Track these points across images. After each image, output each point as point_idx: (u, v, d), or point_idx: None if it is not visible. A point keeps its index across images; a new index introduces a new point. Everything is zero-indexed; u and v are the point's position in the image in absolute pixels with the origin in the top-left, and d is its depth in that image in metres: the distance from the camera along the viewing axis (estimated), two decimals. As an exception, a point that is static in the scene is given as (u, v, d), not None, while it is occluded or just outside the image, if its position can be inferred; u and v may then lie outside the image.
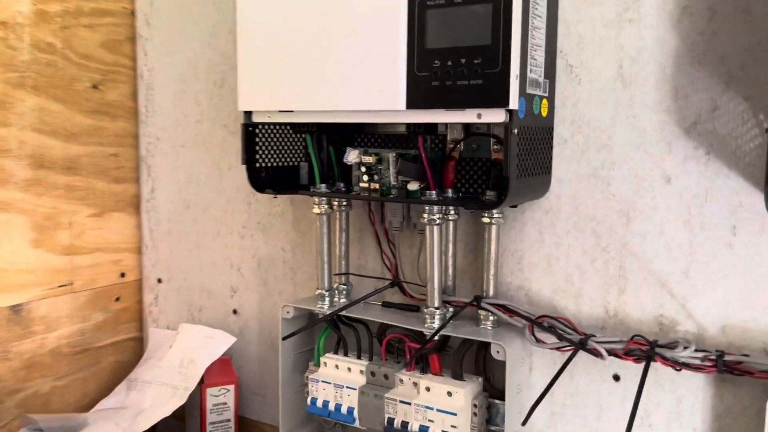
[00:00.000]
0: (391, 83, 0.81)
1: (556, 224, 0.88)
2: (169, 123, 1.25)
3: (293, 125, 0.96)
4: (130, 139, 1.28)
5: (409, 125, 0.84)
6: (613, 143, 0.83)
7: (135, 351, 1.32)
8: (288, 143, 1.03)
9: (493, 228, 0.89)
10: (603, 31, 0.83)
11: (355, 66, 0.83)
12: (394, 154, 0.91)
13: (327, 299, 1.00)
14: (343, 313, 0.97)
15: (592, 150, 0.85)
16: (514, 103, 0.74)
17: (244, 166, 1.14)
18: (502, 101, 0.74)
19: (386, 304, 1.00)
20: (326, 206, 0.99)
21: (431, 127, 0.85)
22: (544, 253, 0.90)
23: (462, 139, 0.91)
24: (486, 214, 0.88)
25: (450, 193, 0.90)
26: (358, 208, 1.04)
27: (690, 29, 0.78)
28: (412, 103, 0.80)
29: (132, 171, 1.29)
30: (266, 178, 0.99)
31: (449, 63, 0.77)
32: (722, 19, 0.76)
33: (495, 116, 0.76)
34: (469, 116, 0.78)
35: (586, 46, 0.84)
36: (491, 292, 0.90)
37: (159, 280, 1.30)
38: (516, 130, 0.76)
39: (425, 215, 0.89)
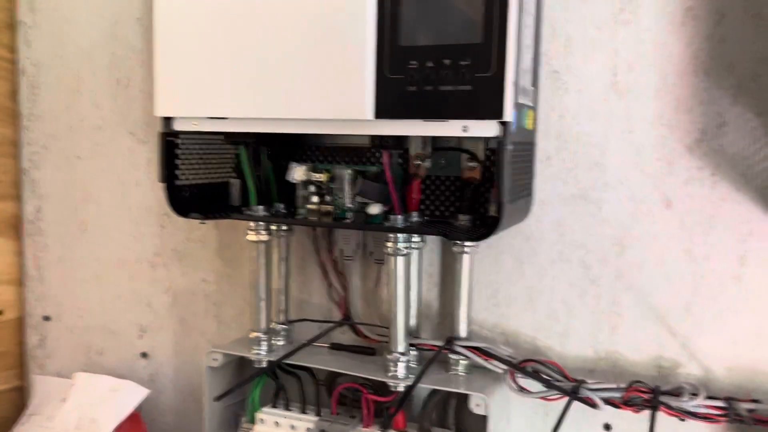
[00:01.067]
0: (355, 87, 0.66)
1: (538, 252, 0.77)
2: (60, 129, 1.03)
3: (225, 135, 0.79)
4: (8, 148, 1.06)
5: (374, 138, 0.70)
6: (606, 161, 0.73)
7: (15, 404, 1.09)
8: (215, 156, 0.86)
9: (466, 258, 0.76)
10: (595, 32, 0.73)
11: (310, 65, 0.68)
12: (351, 171, 0.77)
13: (264, 344, 0.84)
14: (286, 359, 0.82)
15: (581, 168, 0.74)
16: (509, 114, 0.62)
17: (157, 183, 0.96)
18: (495, 112, 0.62)
19: (336, 347, 0.85)
20: (264, 232, 0.82)
21: (399, 141, 0.71)
22: (524, 285, 0.78)
23: (429, 155, 0.77)
24: (457, 242, 0.76)
25: (415, 216, 0.77)
26: (300, 233, 0.89)
27: (694, 34, 0.69)
28: (382, 111, 0.66)
29: (11, 186, 1.07)
30: (189, 198, 0.81)
31: (429, 64, 0.64)
32: (731, 24, 0.68)
33: (485, 129, 0.63)
34: (452, 128, 0.65)
35: (575, 50, 0.73)
36: (463, 332, 0.77)
37: (46, 318, 1.08)
38: (511, 147, 0.64)
39: (389, 245, 0.75)
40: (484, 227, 0.73)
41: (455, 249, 0.76)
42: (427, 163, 0.78)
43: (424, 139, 0.78)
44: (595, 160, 0.74)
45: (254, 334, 0.84)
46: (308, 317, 0.89)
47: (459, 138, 0.76)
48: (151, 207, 0.98)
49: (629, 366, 0.74)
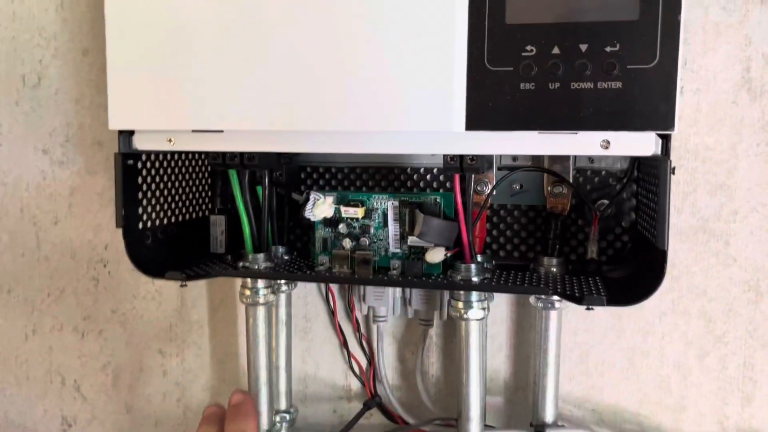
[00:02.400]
0: (438, 86, 0.45)
1: (643, 303, 0.58)
2: (-68, 146, 0.73)
3: (212, 156, 0.54)
4: None
5: (451, 158, 0.49)
6: (735, 183, 0.56)
7: None
8: (189, 185, 0.61)
9: (553, 316, 0.56)
10: (720, 15, 0.55)
11: (366, 53, 0.45)
12: (396, 203, 0.55)
13: (269, 446, 0.60)
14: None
15: (700, 192, 0.57)
16: (676, 122, 0.43)
17: (86, 219, 0.69)
18: (657, 120, 0.43)
19: (364, 439, 0.63)
20: (267, 290, 0.58)
21: (482, 161, 0.50)
22: (624, 346, 0.60)
23: (504, 178, 0.57)
24: (543, 296, 0.56)
25: (481, 260, 0.56)
26: (303, 285, 0.65)
27: None
28: (478, 120, 0.45)
29: None
30: (154, 247, 0.56)
31: (555, 51, 0.44)
32: None
33: (636, 145, 0.44)
34: (584, 144, 0.45)
35: (692, 38, 0.56)
36: (550, 414, 0.58)
37: None
38: (674, 168, 0.45)
39: (459, 305, 0.53)
40: (604, 280, 0.54)
41: (537, 304, 0.56)
42: (493, 190, 0.57)
43: (488, 156, 0.57)
44: (719, 182, 0.56)
45: (253, 435, 0.59)
46: (317, 396, 0.66)
47: (540, 157, 0.57)
48: (77, 253, 0.70)
49: (768, 446, 0.58)
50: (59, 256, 0.71)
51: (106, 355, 0.71)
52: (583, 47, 0.43)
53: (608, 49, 0.43)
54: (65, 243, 0.70)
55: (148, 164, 0.55)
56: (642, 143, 0.44)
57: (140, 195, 0.54)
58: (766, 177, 0.55)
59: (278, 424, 0.62)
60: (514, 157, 0.59)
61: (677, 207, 0.57)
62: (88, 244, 0.70)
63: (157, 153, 0.56)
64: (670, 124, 0.42)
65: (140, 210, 0.54)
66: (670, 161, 0.44)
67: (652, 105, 0.42)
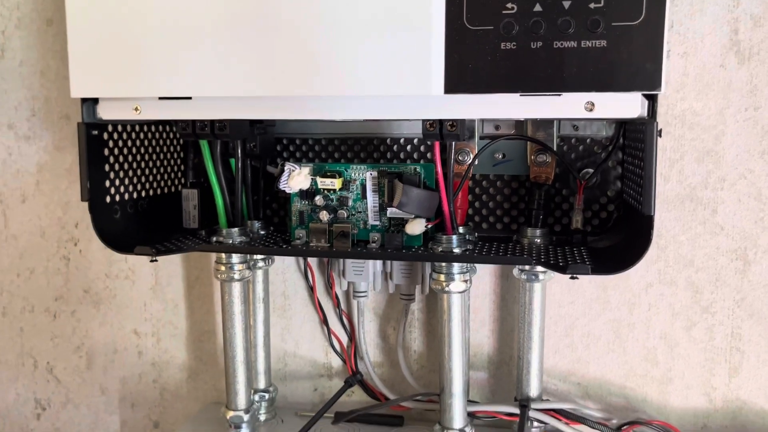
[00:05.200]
0: (414, 47, 0.43)
1: (628, 273, 0.57)
2: None
3: (181, 126, 0.52)
4: None
5: (431, 124, 0.47)
6: (723, 149, 0.55)
7: None
8: (159, 157, 0.58)
9: (537, 288, 0.55)
10: (707, -25, 0.54)
11: (335, 13, 0.43)
12: (374, 173, 0.53)
13: (247, 426, 0.58)
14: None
15: (688, 159, 0.55)
16: (663, 82, 0.41)
17: (55, 197, 0.67)
18: (644, 80, 0.41)
19: (344, 417, 0.61)
20: (242, 267, 0.56)
21: (462, 127, 0.48)
22: (610, 318, 0.58)
23: (486, 147, 0.55)
24: (527, 267, 0.54)
25: (463, 232, 0.54)
26: (280, 261, 0.64)
27: (843, -24, 0.52)
28: (458, 82, 0.43)
29: None
30: (124, 222, 0.54)
31: (537, 8, 0.42)
32: None
33: (622, 107, 0.43)
34: (568, 106, 0.43)
35: (679, 0, 0.54)
36: (534, 389, 0.56)
37: None
38: (661, 131, 0.43)
39: (441, 278, 0.52)
40: (585, 250, 0.52)
41: (521, 276, 0.54)
42: (475, 159, 0.56)
43: (469, 124, 0.55)
44: (706, 148, 0.55)
45: (231, 414, 0.58)
46: (296, 375, 0.65)
47: (523, 125, 0.55)
48: (47, 231, 0.68)
49: (756, 417, 0.57)
50: (28, 235, 0.68)
51: (79, 337, 0.69)
52: (566, 4, 0.41)
53: (592, 5, 0.41)
54: (34, 221, 0.68)
55: (115, 135, 0.53)
56: (628, 105, 0.42)
57: (107, 167, 0.52)
58: (754, 143, 0.54)
59: (257, 404, 0.61)
60: (497, 126, 0.57)
61: (664, 175, 0.56)
62: (57, 222, 0.67)
63: (124, 123, 0.53)
64: (656, 83, 0.41)
65: (107, 183, 0.52)
66: (657, 123, 0.42)
67: (638, 64, 0.41)
